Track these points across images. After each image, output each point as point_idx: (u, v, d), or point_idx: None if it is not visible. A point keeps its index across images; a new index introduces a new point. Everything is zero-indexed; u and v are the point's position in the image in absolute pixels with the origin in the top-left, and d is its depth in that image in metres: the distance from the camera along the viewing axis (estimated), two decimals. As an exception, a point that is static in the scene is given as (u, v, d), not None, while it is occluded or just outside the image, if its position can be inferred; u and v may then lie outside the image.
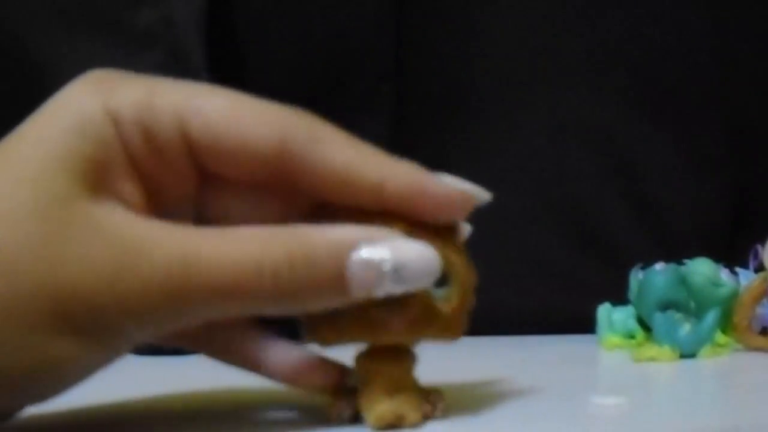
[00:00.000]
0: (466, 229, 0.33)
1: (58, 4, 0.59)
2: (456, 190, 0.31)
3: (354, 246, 0.29)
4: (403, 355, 0.31)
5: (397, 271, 0.29)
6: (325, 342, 0.31)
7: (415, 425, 0.31)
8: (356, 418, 0.31)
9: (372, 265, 0.28)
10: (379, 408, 0.30)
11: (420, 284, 0.29)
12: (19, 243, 0.27)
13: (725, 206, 0.72)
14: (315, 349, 0.34)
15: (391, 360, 0.31)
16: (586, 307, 0.59)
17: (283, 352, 0.33)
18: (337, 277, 0.28)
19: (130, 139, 0.29)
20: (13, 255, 0.27)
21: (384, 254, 0.29)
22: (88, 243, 0.27)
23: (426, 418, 0.31)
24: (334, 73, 0.67)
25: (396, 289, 0.29)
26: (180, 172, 0.31)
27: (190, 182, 0.31)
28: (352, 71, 0.67)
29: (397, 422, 0.30)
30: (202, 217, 0.32)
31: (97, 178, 0.29)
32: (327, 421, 0.32)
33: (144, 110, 0.29)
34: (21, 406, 0.31)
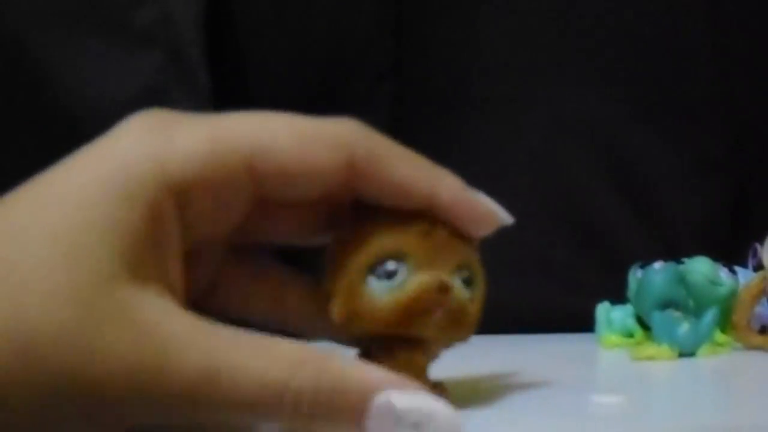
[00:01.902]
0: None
1: (58, 3, 0.59)
2: (491, 209, 0.33)
3: (381, 390, 0.28)
4: (428, 349, 0.32)
5: (418, 428, 0.27)
6: (365, 329, 0.32)
7: None
8: None
9: (393, 415, 0.27)
10: None
11: None
12: (52, 334, 0.26)
13: (724, 205, 0.72)
14: None
15: (419, 350, 0.32)
16: (585, 306, 0.59)
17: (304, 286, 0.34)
18: (356, 416, 0.28)
19: (190, 197, 0.28)
20: (45, 341, 0.26)
21: (409, 406, 0.28)
22: (120, 335, 0.26)
23: None
24: (333, 71, 0.67)
25: None
26: (236, 209, 0.30)
27: (242, 214, 0.31)
28: (351, 70, 0.67)
29: None
30: (241, 240, 0.32)
31: (140, 254, 0.27)
32: None
33: (211, 163, 0.28)
34: None
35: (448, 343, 0.33)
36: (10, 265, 0.26)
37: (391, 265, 0.31)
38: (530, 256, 0.69)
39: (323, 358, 0.28)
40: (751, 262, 0.59)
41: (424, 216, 0.31)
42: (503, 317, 0.66)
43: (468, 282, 0.32)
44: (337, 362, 0.28)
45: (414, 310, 0.31)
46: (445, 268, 0.31)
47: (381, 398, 0.27)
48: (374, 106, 0.67)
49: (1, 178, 0.30)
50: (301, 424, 0.28)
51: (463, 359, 0.50)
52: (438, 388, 0.33)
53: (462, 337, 0.33)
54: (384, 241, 0.31)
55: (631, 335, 0.56)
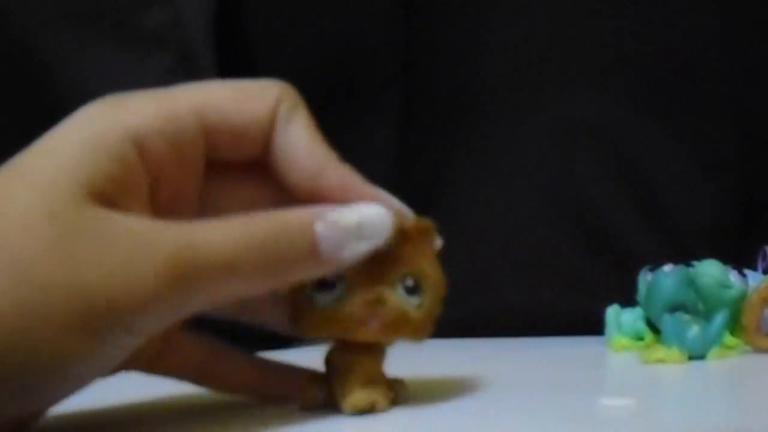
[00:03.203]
0: (438, 242, 0.35)
1: (68, 6, 0.59)
2: (389, 203, 0.34)
3: (321, 214, 0.32)
4: (376, 350, 0.35)
5: (360, 228, 0.32)
6: (306, 335, 0.34)
7: (384, 410, 0.34)
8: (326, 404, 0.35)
9: (337, 226, 0.32)
10: (354, 396, 0.34)
11: (380, 240, 0.32)
12: (32, 245, 0.28)
13: (734, 208, 0.72)
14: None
15: (365, 354, 0.34)
16: (595, 309, 0.59)
17: (242, 364, 0.36)
18: (310, 242, 0.31)
19: (154, 153, 0.31)
20: (27, 256, 0.28)
21: (347, 216, 0.32)
22: (99, 242, 0.28)
23: (392, 404, 0.34)
24: (343, 74, 0.67)
25: (362, 247, 0.32)
26: (195, 172, 0.33)
27: (199, 171, 0.33)
28: (360, 72, 0.67)
29: (370, 409, 0.33)
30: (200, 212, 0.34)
31: (108, 190, 0.30)
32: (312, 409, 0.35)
33: (168, 119, 0.31)
34: (30, 411, 0.31)
35: (393, 343, 0.35)
36: None
37: (331, 279, 0.33)
38: (540, 259, 0.69)
39: (268, 212, 0.31)
40: (760, 265, 0.59)
41: None
42: (513, 320, 0.66)
43: (413, 289, 0.34)
44: (279, 211, 0.32)
45: (350, 321, 0.33)
46: (385, 280, 0.34)
47: (321, 220, 0.31)
48: (384, 109, 0.67)
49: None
50: (272, 274, 0.31)
51: (472, 361, 0.51)
52: (397, 383, 0.35)
53: (410, 338, 0.34)
54: None
55: (640, 338, 0.56)
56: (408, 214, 0.34)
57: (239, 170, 0.34)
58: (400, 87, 0.68)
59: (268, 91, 0.33)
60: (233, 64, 0.63)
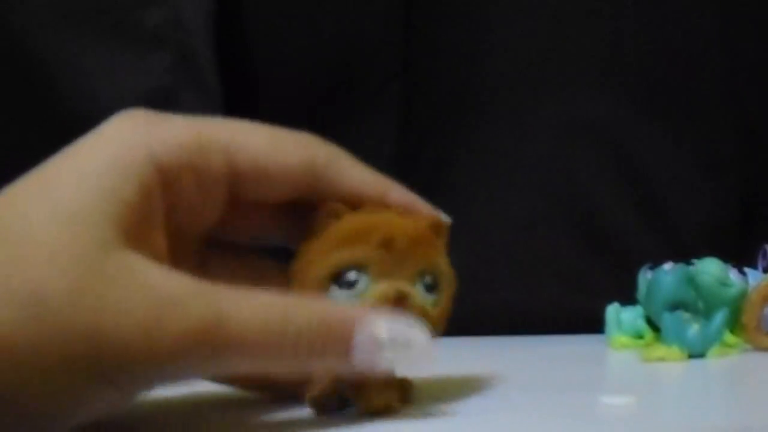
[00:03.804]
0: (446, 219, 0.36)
1: (66, 5, 0.59)
2: (433, 212, 0.36)
3: (362, 322, 0.31)
4: None
5: (397, 344, 0.31)
6: None
7: (398, 412, 0.33)
8: (340, 406, 0.34)
9: (376, 340, 0.31)
10: (371, 398, 0.33)
11: (414, 361, 0.31)
12: (56, 284, 0.27)
13: (734, 206, 0.72)
14: None
15: None
16: (595, 307, 0.59)
17: None
18: (346, 348, 0.31)
19: (174, 182, 0.31)
20: (50, 294, 0.27)
21: (389, 334, 0.31)
22: (126, 294, 0.28)
23: (402, 404, 0.34)
24: (342, 72, 0.67)
25: (394, 361, 0.31)
26: (216, 202, 0.33)
27: (220, 208, 0.33)
28: (360, 71, 0.67)
29: (386, 411, 0.33)
30: (218, 238, 0.34)
31: (132, 224, 0.29)
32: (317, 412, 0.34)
33: (194, 152, 0.31)
34: None
35: None
36: (17, 240, 0.28)
37: (351, 276, 0.33)
38: (540, 257, 0.69)
39: (310, 300, 0.31)
40: (760, 264, 0.59)
41: (385, 225, 0.33)
42: (513, 318, 0.66)
43: (431, 287, 0.34)
44: (323, 302, 0.32)
45: None
46: (406, 276, 0.33)
47: (364, 330, 0.31)
48: (383, 108, 0.67)
49: (11, 181, 0.30)
50: (299, 363, 0.30)
51: (472, 360, 0.51)
52: (404, 384, 0.35)
53: None
54: (345, 251, 0.33)
55: (640, 336, 0.56)
56: (447, 220, 0.36)
57: (266, 206, 0.34)
58: (400, 87, 0.68)
59: (302, 141, 0.34)
60: (233, 64, 0.63)
